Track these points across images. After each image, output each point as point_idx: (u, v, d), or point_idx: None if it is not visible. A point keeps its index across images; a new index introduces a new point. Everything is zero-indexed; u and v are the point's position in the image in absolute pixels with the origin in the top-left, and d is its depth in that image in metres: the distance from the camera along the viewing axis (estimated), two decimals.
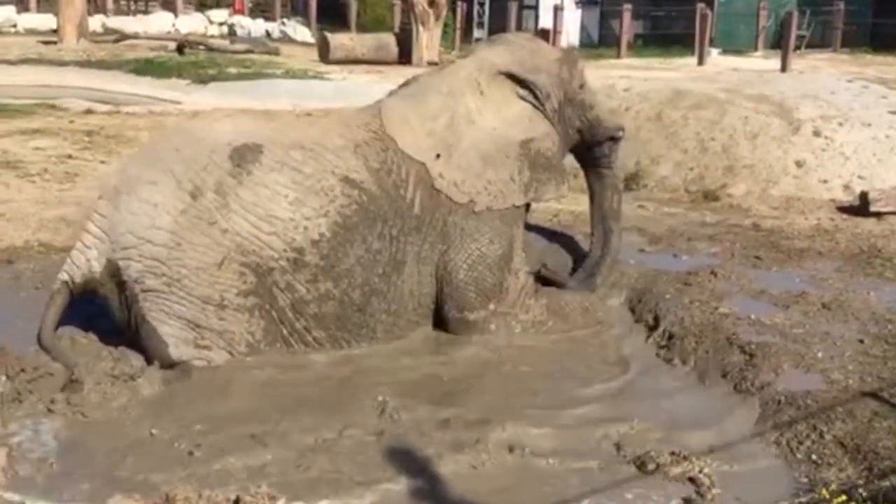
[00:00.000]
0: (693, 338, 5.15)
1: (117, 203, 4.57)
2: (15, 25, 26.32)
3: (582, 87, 5.48)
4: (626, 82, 11.33)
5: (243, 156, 4.66)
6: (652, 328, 5.44)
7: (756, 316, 5.36)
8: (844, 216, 7.99)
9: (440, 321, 5.13)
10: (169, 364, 4.55)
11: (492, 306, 5.10)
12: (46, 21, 25.24)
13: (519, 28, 26.08)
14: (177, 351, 4.54)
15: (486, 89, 5.20)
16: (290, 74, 17.48)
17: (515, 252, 5.21)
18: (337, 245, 4.68)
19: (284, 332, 4.72)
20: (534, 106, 5.31)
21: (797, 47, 21.64)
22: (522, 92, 5.29)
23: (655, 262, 6.44)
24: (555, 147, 5.34)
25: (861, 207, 8.00)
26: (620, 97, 10.20)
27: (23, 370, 4.35)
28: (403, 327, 5.01)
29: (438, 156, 4.98)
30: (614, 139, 5.69)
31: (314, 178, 4.70)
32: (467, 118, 5.10)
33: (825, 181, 8.63)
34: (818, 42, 25.38)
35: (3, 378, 4.29)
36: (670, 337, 5.25)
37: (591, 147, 5.68)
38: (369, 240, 4.76)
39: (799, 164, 8.79)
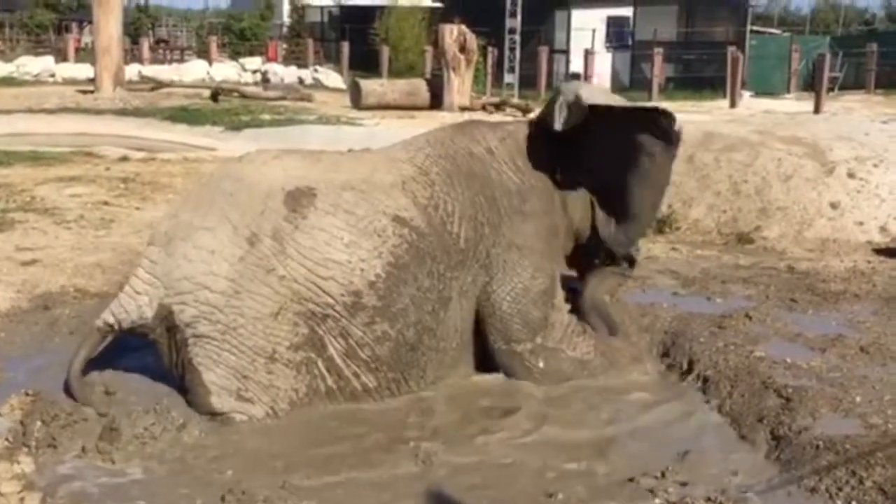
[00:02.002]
0: (728, 382, 5.10)
1: (171, 249, 4.55)
2: (53, 75, 26.91)
3: None
4: None
5: (298, 200, 4.64)
6: (686, 372, 5.40)
7: (792, 360, 5.31)
8: (881, 258, 7.91)
9: (484, 357, 5.11)
10: (209, 414, 4.53)
11: (538, 339, 5.06)
12: (84, 70, 25.75)
13: (550, 72, 26.26)
14: (219, 400, 4.51)
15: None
16: (322, 120, 17.68)
17: (558, 289, 5.18)
18: (392, 285, 4.66)
19: (329, 382, 4.67)
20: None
21: (830, 89, 21.61)
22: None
23: (689, 305, 6.40)
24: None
25: None
26: None
27: (56, 415, 4.37)
28: (449, 364, 4.98)
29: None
30: (632, 259, 5.60)
31: (367, 219, 4.70)
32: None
33: (861, 223, 8.57)
34: (851, 83, 25.34)
35: (38, 423, 4.31)
36: (705, 381, 5.21)
37: (588, 263, 5.58)
38: (420, 278, 4.74)
39: (834, 206, 8.74)
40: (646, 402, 5.09)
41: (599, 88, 5.33)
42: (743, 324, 5.96)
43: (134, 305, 4.55)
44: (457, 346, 4.99)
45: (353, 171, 4.90)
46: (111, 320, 4.60)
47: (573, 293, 5.46)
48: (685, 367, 5.45)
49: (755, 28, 32.88)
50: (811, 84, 21.33)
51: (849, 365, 5.29)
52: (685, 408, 5.04)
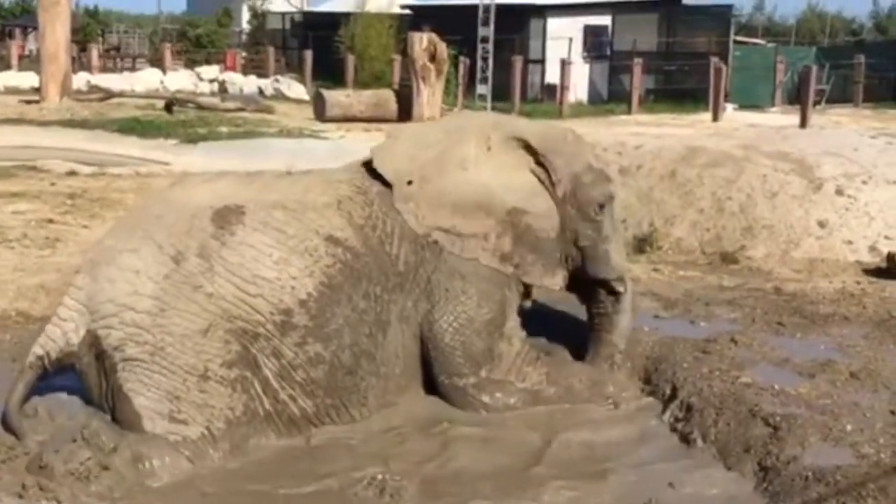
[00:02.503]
0: (713, 410, 5.12)
1: (95, 274, 4.66)
2: None
3: (602, 209, 5.46)
4: (637, 139, 11.44)
5: (225, 218, 4.78)
6: (669, 399, 5.42)
7: (780, 386, 5.34)
8: (871, 279, 7.99)
9: (431, 385, 5.19)
10: (142, 438, 4.53)
11: (483, 373, 5.12)
12: (28, 79, 25.52)
13: (524, 82, 26.39)
14: (151, 424, 4.53)
15: (496, 147, 5.32)
16: (283, 133, 17.63)
17: (508, 318, 5.25)
18: (324, 305, 4.76)
19: (266, 405, 4.73)
20: (542, 183, 5.37)
21: (817, 102, 21.87)
22: (535, 166, 5.37)
23: (671, 328, 6.43)
24: (553, 234, 5.35)
25: (889, 269, 8.01)
26: (632, 155, 10.29)
27: None
28: (393, 391, 5.05)
29: (410, 182, 5.12)
30: (613, 293, 5.62)
31: (298, 238, 4.81)
32: (459, 162, 5.22)
33: (850, 242, 8.66)
34: (839, 97, 25.65)
35: None
36: (689, 409, 5.22)
37: (589, 286, 5.66)
38: (355, 299, 4.85)
39: (822, 225, 8.83)
40: (627, 432, 5.11)
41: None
42: (728, 348, 5.99)
43: (60, 333, 4.64)
44: (401, 373, 5.07)
45: (286, 191, 5.05)
46: (40, 352, 4.67)
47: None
48: (668, 394, 5.47)
49: (739, 38, 33.25)
50: (797, 97, 21.58)
51: (839, 391, 5.33)
52: (669, 438, 5.05)
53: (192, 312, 4.57)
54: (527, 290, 5.46)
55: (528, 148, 5.37)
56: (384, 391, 5.00)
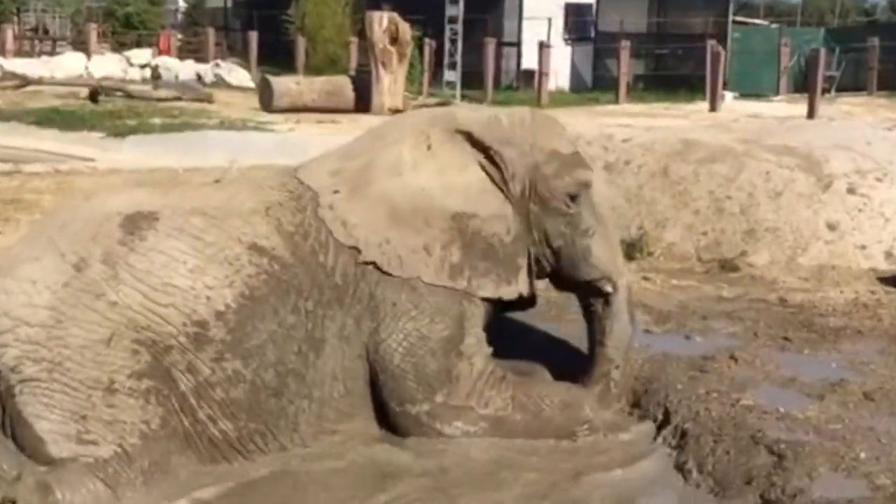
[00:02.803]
0: (710, 436, 5.14)
1: None
2: None
3: (575, 200, 5.40)
4: (625, 132, 11.50)
5: (136, 223, 4.82)
6: (661, 425, 5.43)
7: (785, 409, 5.36)
8: (887, 288, 8.05)
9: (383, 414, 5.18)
10: (48, 464, 4.53)
11: (439, 398, 5.08)
12: None
13: (498, 68, 26.46)
14: (57, 448, 4.52)
15: (436, 145, 5.28)
16: (225, 125, 17.60)
17: (468, 333, 5.18)
18: (245, 318, 4.78)
19: (186, 424, 4.75)
20: (493, 181, 5.32)
21: (826, 90, 22.11)
22: (484, 161, 5.32)
23: (664, 344, 6.45)
24: (509, 237, 5.29)
25: None
26: (619, 149, 10.32)
27: None
28: (332, 418, 5.03)
29: (337, 191, 5.12)
30: (601, 294, 5.57)
31: (217, 245, 4.84)
32: (392, 168, 5.19)
33: (863, 247, 8.73)
34: (850, 84, 25.92)
35: None
36: (683, 435, 5.24)
37: (577, 290, 5.67)
38: (281, 313, 4.86)
39: (831, 227, 8.90)
40: (613, 460, 5.12)
41: None
42: (727, 367, 6.02)
43: None
44: (342, 398, 5.04)
45: (208, 197, 5.09)
46: None
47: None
48: (660, 418, 5.49)
49: (738, 18, 33.53)
50: (804, 84, 21.83)
51: (851, 415, 5.36)
52: (660, 468, 5.07)
53: (91, 322, 4.58)
54: (498, 300, 5.39)
55: (474, 141, 5.33)
56: (319, 417, 4.98)
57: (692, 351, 6.35)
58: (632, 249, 8.96)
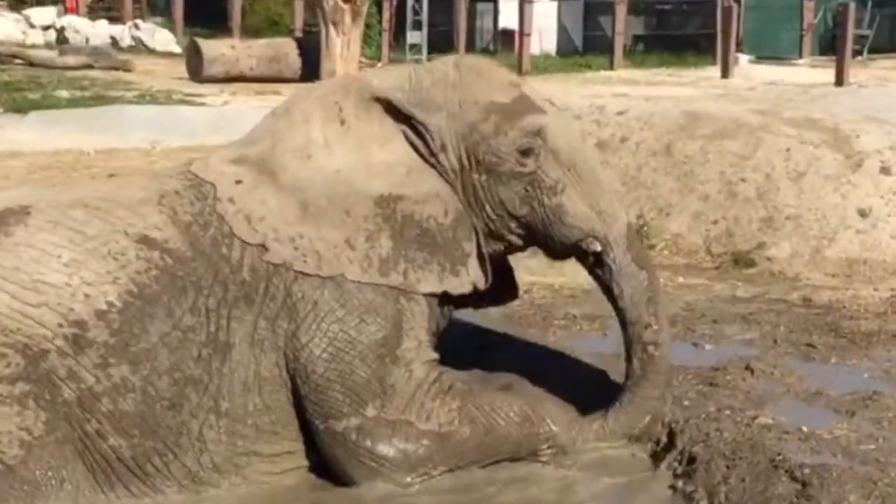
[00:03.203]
0: (723, 461, 5.15)
1: None
2: None
3: (529, 154, 5.28)
4: (621, 102, 11.55)
5: (4, 219, 4.90)
6: (665, 448, 5.47)
7: (809, 428, 5.41)
8: None
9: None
10: None
11: (370, 411, 5.04)
12: None
13: (471, 28, 26.42)
14: None
15: (351, 118, 5.28)
16: (146, 98, 17.52)
17: (406, 336, 5.15)
18: (132, 319, 4.82)
19: (75, 438, 4.81)
20: (421, 155, 5.32)
21: (857, 52, 22.20)
22: (408, 132, 5.31)
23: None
24: (448, 221, 5.27)
25: None
26: (613, 124, 10.35)
27: None
28: (251, 437, 5.03)
29: (239, 181, 5.13)
30: (594, 257, 5.44)
31: (100, 239, 4.89)
32: (301, 150, 5.19)
33: None
34: (885, 45, 26.04)
35: None
36: (691, 460, 5.27)
37: (570, 256, 5.60)
38: (177, 313, 4.90)
39: (863, 214, 8.95)
40: (607, 491, 5.16)
41: None
42: (742, 379, 6.07)
43: None
44: (259, 412, 5.03)
45: (92, 189, 5.17)
46: None
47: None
48: (663, 441, 5.51)
49: None
50: (831, 45, 21.93)
51: (886, 433, 5.40)
52: (663, 499, 5.11)
53: None
54: (448, 296, 5.35)
55: (394, 110, 5.30)
56: (232, 435, 4.98)
57: (701, 361, 6.40)
58: None
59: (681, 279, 8.34)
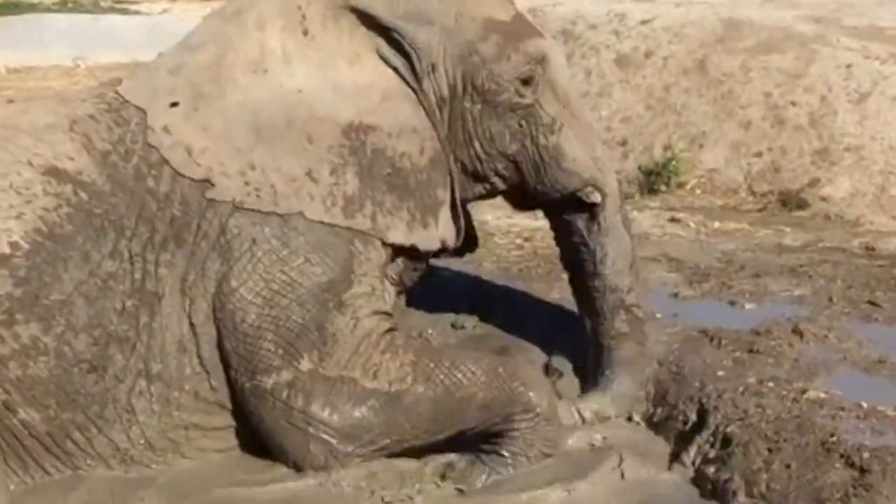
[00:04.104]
0: (764, 443, 5.15)
1: None
2: None
3: (530, 83, 5.36)
4: (645, 9, 11.45)
5: None
6: (694, 428, 5.47)
7: (869, 403, 5.39)
8: None
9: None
10: None
11: (305, 364, 5.01)
12: None
13: None
14: None
15: (317, 27, 5.23)
16: (69, 5, 17.41)
17: (356, 281, 5.14)
18: (41, 265, 4.82)
19: None
20: (401, 77, 5.30)
21: None
22: (390, 51, 5.29)
23: (699, 314, 6.51)
24: (424, 161, 5.29)
25: None
26: (636, 35, 10.32)
27: None
28: (189, 407, 5.03)
29: (176, 104, 5.09)
30: (586, 206, 5.58)
31: None
32: (253, 63, 5.15)
33: None
34: None
35: None
36: (725, 442, 5.27)
37: (548, 207, 5.72)
38: (94, 258, 4.90)
39: None
40: (623, 479, 5.16)
41: None
42: (789, 345, 6.06)
43: None
44: (197, 377, 5.03)
45: None
46: None
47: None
48: (692, 419, 5.52)
49: None
50: None
51: None
52: (691, 489, 5.13)
53: None
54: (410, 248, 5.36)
55: (371, 19, 5.27)
56: (167, 404, 4.99)
57: (740, 323, 6.38)
58: (655, 179, 9.01)
59: (716, 224, 8.32)
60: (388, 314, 5.27)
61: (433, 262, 5.71)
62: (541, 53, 5.40)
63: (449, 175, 5.39)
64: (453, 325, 6.27)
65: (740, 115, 9.45)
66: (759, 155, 9.21)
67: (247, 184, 5.00)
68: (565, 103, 5.51)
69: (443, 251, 5.50)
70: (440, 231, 5.35)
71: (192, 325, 5.00)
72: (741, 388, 5.56)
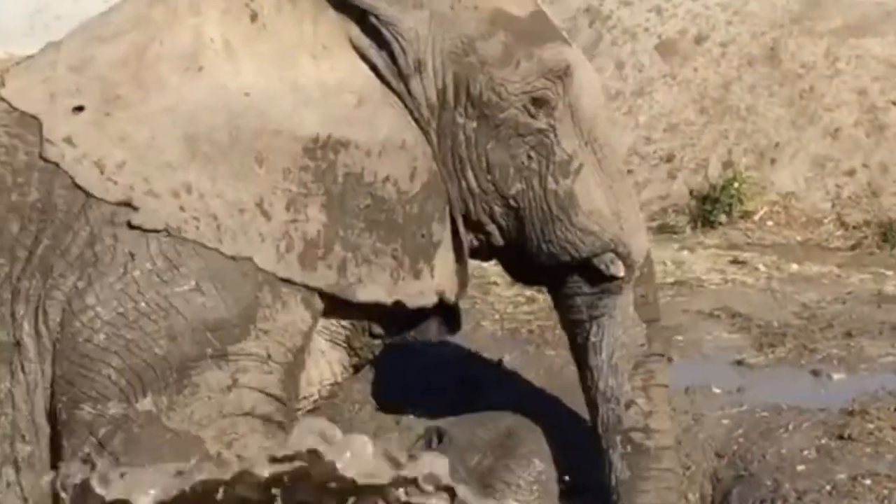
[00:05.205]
0: None
1: None
2: None
3: (542, 106, 5.34)
4: None
5: None
6: None
7: None
8: None
9: None
10: None
11: (144, 403, 4.99)
12: None
13: None
14: None
15: (269, 12, 5.25)
16: None
17: (252, 334, 5.11)
18: None
19: None
20: (384, 79, 5.29)
21: None
22: (363, 40, 5.29)
23: (772, 388, 6.53)
24: (415, 188, 5.30)
25: None
26: (685, 13, 10.36)
27: None
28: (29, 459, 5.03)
29: (81, 108, 5.08)
30: (601, 279, 5.48)
31: None
32: (185, 58, 5.16)
33: None
34: None
35: None
36: None
37: (553, 277, 5.62)
38: None
39: None
40: None
41: None
42: (892, 427, 6.04)
43: None
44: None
45: None
46: None
47: None
48: None
49: None
50: None
51: None
52: None
53: None
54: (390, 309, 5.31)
55: (342, 1, 5.29)
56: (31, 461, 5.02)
57: (825, 399, 6.40)
58: (712, 207, 9.02)
59: (794, 267, 8.33)
60: (280, 401, 5.20)
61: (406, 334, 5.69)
62: (562, 65, 5.37)
63: (447, 204, 5.37)
64: (426, 435, 6.20)
65: (825, 121, 9.48)
66: (850, 173, 9.23)
67: (182, 209, 5.00)
68: (589, 138, 5.45)
69: (418, 318, 5.45)
70: (436, 280, 5.33)
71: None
72: (828, 488, 5.58)
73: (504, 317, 7.25)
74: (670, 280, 7.19)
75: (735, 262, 8.31)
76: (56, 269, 5.01)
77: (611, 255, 5.43)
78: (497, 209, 5.42)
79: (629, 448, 5.43)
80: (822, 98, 9.59)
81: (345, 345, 5.37)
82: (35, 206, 5.03)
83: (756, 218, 9.10)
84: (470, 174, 5.37)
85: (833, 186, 9.24)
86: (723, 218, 8.99)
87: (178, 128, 5.06)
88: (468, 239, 5.46)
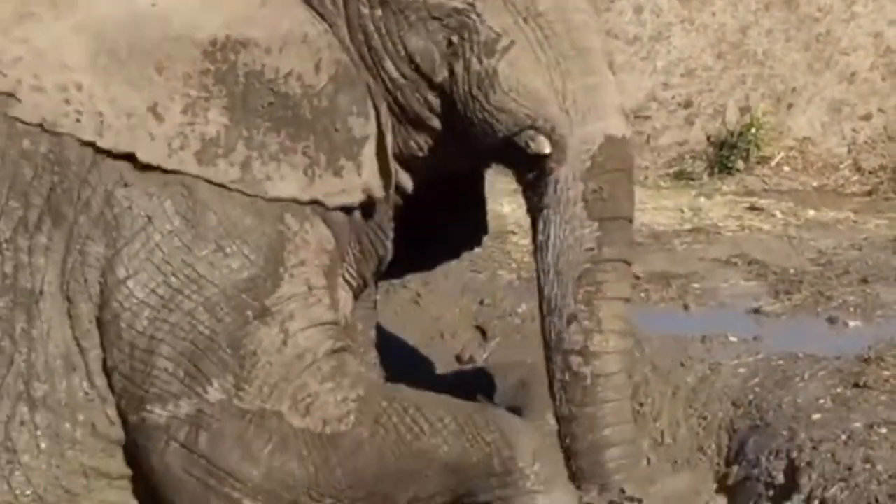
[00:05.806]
0: None
1: None
2: None
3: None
4: None
5: None
6: (782, 493, 5.47)
7: None
8: None
9: None
10: None
11: (214, 394, 4.96)
12: None
13: None
14: None
15: None
16: None
17: (289, 277, 5.10)
18: None
19: None
20: None
21: None
22: None
23: (787, 336, 6.55)
24: (323, 80, 5.22)
25: None
26: None
27: None
28: (85, 445, 5.01)
29: None
30: (533, 163, 5.23)
31: None
32: None
33: None
34: None
35: None
36: None
37: (499, 155, 5.43)
38: None
39: None
40: None
41: None
42: None
43: None
44: (89, 403, 5.00)
45: None
46: None
47: None
48: (779, 480, 5.52)
49: None
50: None
51: None
52: None
53: None
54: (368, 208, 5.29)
55: None
56: (58, 441, 5.00)
57: (841, 346, 6.42)
58: (729, 153, 9.01)
59: (811, 212, 8.32)
60: (334, 325, 5.18)
61: (430, 263, 5.67)
62: None
63: (368, 97, 5.28)
64: (458, 359, 6.24)
65: (842, 65, 9.46)
66: (866, 118, 9.21)
67: (67, 102, 4.96)
68: (530, 13, 5.20)
69: (432, 237, 5.49)
70: (363, 177, 5.24)
71: (74, 333, 5.01)
72: (844, 437, 5.55)
73: (521, 266, 7.22)
74: (687, 227, 7.15)
75: (752, 208, 8.31)
76: (81, 226, 4.96)
77: (530, 132, 5.14)
78: (432, 98, 5.27)
79: (567, 375, 5.17)
80: (838, 42, 9.57)
81: (352, 269, 5.35)
82: (48, 157, 4.98)
83: (773, 164, 9.09)
84: (389, 65, 5.26)
85: (849, 131, 9.23)
86: (740, 164, 8.98)
87: (82, 39, 5.03)
88: (406, 134, 5.34)
